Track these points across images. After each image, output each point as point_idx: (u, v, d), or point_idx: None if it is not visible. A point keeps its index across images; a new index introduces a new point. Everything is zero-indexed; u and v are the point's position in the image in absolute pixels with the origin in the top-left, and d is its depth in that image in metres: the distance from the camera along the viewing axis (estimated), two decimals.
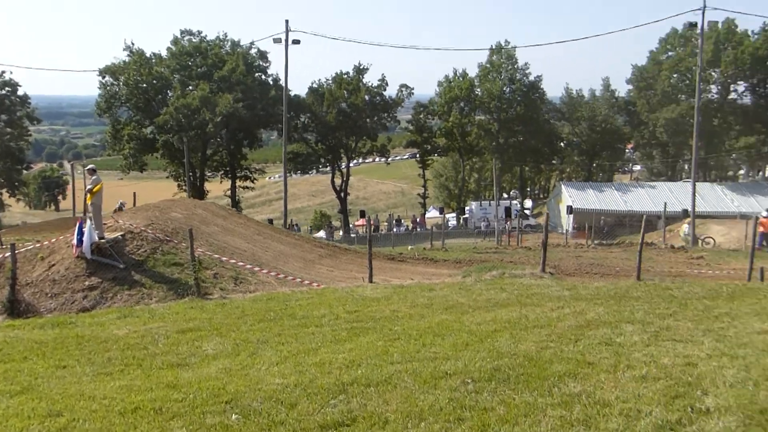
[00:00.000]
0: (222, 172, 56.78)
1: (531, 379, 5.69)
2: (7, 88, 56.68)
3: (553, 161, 70.41)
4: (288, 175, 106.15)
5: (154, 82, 52.61)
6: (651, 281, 13.56)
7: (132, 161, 52.29)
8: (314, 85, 59.03)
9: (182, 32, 55.45)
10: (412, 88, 61.79)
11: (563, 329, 7.73)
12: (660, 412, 4.72)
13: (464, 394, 5.35)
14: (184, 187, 51.12)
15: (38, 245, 17.75)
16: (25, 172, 64.57)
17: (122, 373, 7.08)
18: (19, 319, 12.42)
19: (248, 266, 17.06)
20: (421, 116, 64.37)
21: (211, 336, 8.80)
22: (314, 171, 69.35)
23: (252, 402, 5.48)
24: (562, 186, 57.20)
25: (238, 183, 56.73)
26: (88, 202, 16.09)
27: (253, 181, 58.50)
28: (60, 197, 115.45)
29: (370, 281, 14.47)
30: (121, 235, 16.58)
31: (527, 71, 62.05)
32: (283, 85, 39.19)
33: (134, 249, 16.30)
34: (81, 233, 15.59)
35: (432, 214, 67.54)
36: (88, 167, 16.35)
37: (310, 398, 5.47)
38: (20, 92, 57.59)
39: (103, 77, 52.71)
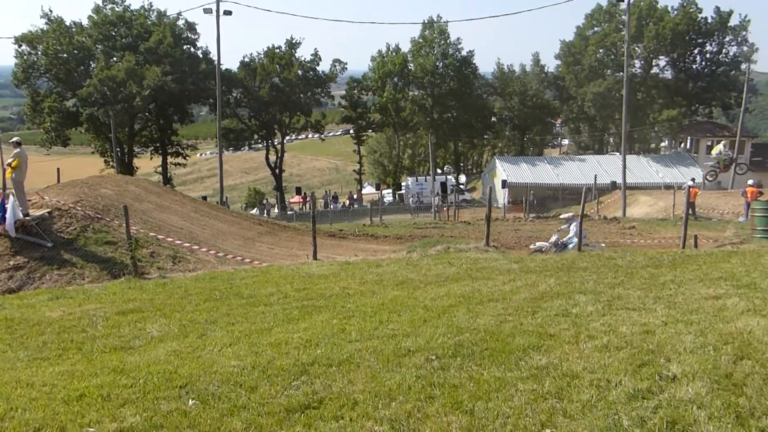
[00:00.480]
0: (152, 148, 54.87)
1: (496, 353, 5.61)
2: None
3: (486, 136, 71.27)
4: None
5: (76, 52, 50.04)
6: (589, 251, 13.86)
7: (54, 135, 49.78)
8: (246, 60, 57.58)
9: (104, 0, 52.84)
10: (346, 63, 61.21)
11: (518, 302, 7.72)
12: (629, 381, 4.71)
13: (431, 372, 5.22)
14: (111, 164, 49.17)
15: None
16: None
17: (61, 357, 6.63)
18: None
19: (186, 244, 16.52)
20: (355, 92, 63.86)
21: (154, 317, 8.39)
22: (246, 147, 67.96)
23: (208, 386, 5.19)
24: (497, 160, 58.06)
25: (170, 159, 54.98)
26: (8, 177, 15.12)
27: (185, 158, 56.82)
28: None
29: (315, 258, 14.20)
30: (48, 213, 15.73)
31: (460, 46, 62.31)
32: (216, 58, 37.93)
33: (63, 227, 15.51)
34: (3, 210, 14.67)
35: (368, 190, 67.45)
36: (12, 140, 15.33)
37: (271, 380, 5.23)
38: None
39: (20, 46, 49.81)
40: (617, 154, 54.73)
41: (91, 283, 13.23)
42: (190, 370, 5.68)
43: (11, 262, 14.44)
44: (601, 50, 61.76)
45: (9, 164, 14.79)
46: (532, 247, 17.63)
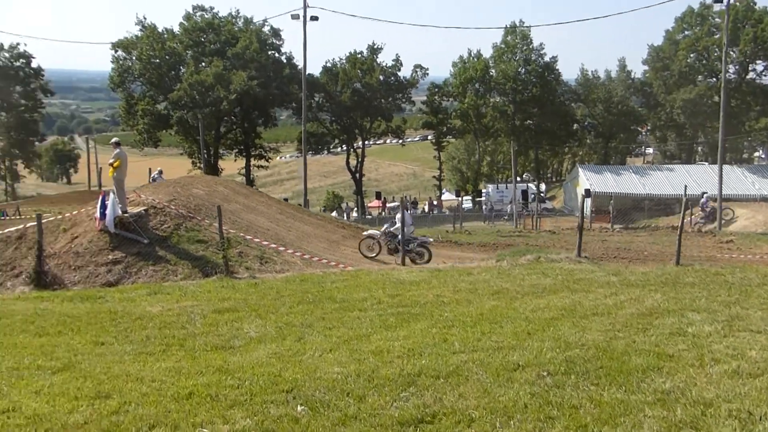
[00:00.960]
0: (236, 150, 56.36)
1: (612, 373, 5.29)
2: (21, 60, 56.34)
3: (568, 144, 69.55)
4: (299, 155, 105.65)
5: (167, 57, 52.02)
6: (691, 266, 13.11)
7: (146, 137, 51.93)
8: (328, 65, 58.35)
9: (194, 8, 54.73)
10: (427, 69, 61.00)
11: (626, 318, 7.32)
12: None
13: (545, 389, 4.96)
14: (198, 165, 50.78)
15: (60, 217, 17.46)
16: (38, 144, 64.25)
17: (165, 353, 6.72)
18: (46, 290, 12.15)
19: (273, 245, 16.70)
20: (436, 97, 63.57)
21: (250, 317, 8.44)
22: (326, 151, 68.90)
23: (314, 392, 5.11)
24: (579, 169, 56.47)
25: (253, 162, 56.31)
26: (109, 176, 15.72)
27: (267, 160, 58.09)
28: (72, 170, 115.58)
29: (402, 264, 14.07)
30: (144, 210, 16.24)
31: (542, 52, 61.08)
32: (302, 62, 38.38)
33: (158, 224, 15.97)
34: (104, 206, 15.26)
35: (447, 196, 66.99)
36: (112, 140, 15.94)
37: (378, 390, 5.09)
38: (34, 64, 57.35)
39: (116, 51, 52.21)
40: (707, 164, 52.17)
41: (185, 280, 13.54)
42: (293, 374, 5.62)
43: (110, 257, 14.99)
44: (692, 55, 59.16)
45: (111, 164, 15.36)
46: (364, 233, 18.79)
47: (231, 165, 59.75)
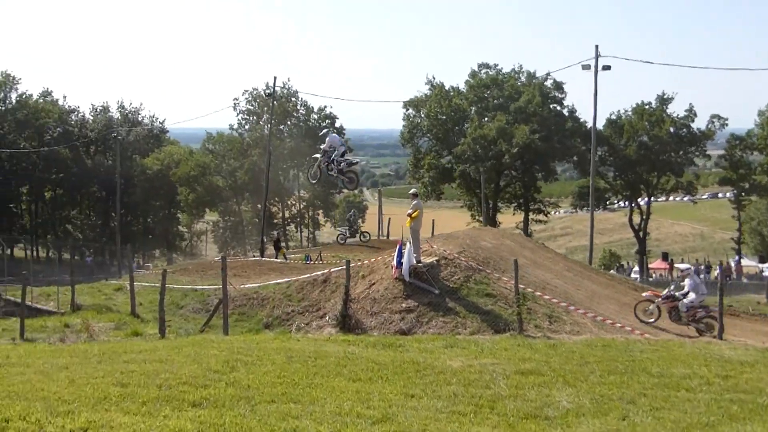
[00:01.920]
0: (515, 204, 56.41)
1: None
2: (327, 120, 63.55)
3: None
4: (573, 211, 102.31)
5: (452, 113, 54.37)
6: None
7: (430, 189, 54.54)
8: (612, 117, 55.88)
9: (479, 65, 56.69)
10: (726, 119, 55.13)
11: None
12: None
13: None
14: (477, 217, 51.76)
15: (359, 264, 18.69)
16: (337, 196, 71.30)
17: (477, 415, 6.38)
18: (349, 334, 12.85)
19: (562, 304, 15.84)
20: (737, 150, 56.97)
21: (556, 383, 7.80)
22: (601, 208, 65.71)
23: None
24: None
25: (531, 216, 55.81)
26: (407, 226, 16.36)
27: (546, 215, 57.17)
28: (360, 221, 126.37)
29: (720, 338, 12.26)
30: (436, 261, 16.58)
31: None
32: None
33: (448, 275, 16.16)
34: (400, 255, 15.88)
35: (746, 262, 59.15)
36: (411, 191, 16.69)
37: None
38: (337, 124, 64.18)
39: (407, 109, 56.07)
40: None
41: (475, 335, 13.38)
42: None
43: (404, 305, 15.48)
44: None
45: (409, 214, 16.00)
46: (643, 295, 17.63)
47: (508, 218, 59.88)
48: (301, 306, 17.97)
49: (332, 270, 19.28)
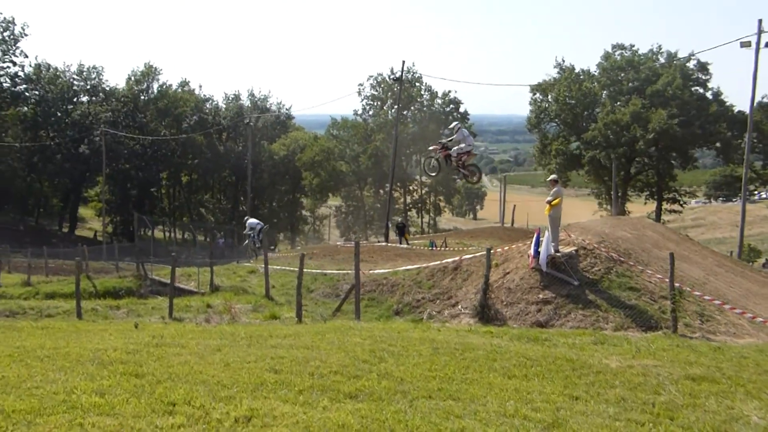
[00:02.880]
0: (647, 192, 53.38)
1: None
2: (452, 105, 63.02)
3: None
4: (707, 201, 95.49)
5: (583, 97, 52.14)
6: None
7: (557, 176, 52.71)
8: (765, 100, 51.34)
9: (614, 47, 53.96)
10: None
11: None
12: None
13: None
14: (605, 206, 49.48)
15: (492, 252, 18.11)
16: (458, 182, 70.78)
17: (656, 426, 5.72)
18: (489, 325, 12.40)
19: (716, 302, 14.55)
20: None
21: (736, 393, 6.96)
22: (736, 198, 60.83)
23: None
24: None
25: (664, 206, 52.61)
26: (546, 214, 15.61)
27: (681, 205, 53.69)
28: (478, 207, 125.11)
29: None
30: (575, 251, 15.73)
31: None
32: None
33: (587, 267, 15.28)
34: (537, 244, 15.20)
35: None
36: (550, 177, 15.92)
37: None
38: (461, 109, 63.45)
39: (534, 94, 54.42)
40: None
41: (619, 331, 12.55)
42: None
43: (540, 296, 14.81)
44: None
45: (549, 201, 15.26)
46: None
47: (638, 208, 56.80)
48: (432, 293, 17.70)
49: (463, 257, 18.84)
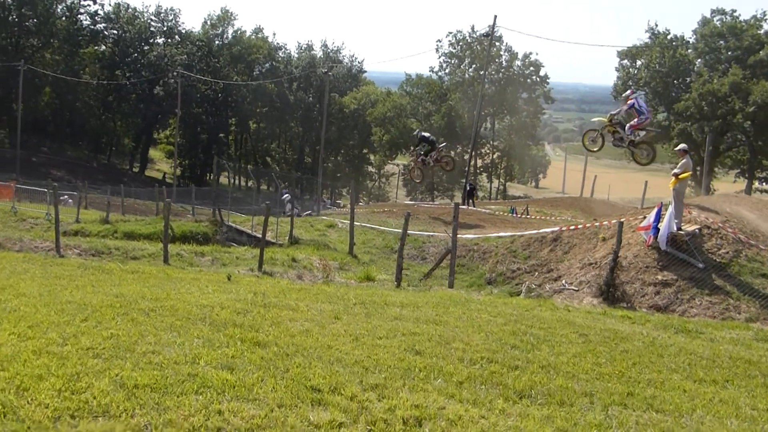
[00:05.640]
0: (738, 170, 50.11)
1: None
2: (531, 68, 60.29)
3: None
4: None
5: (676, 65, 48.86)
6: None
7: None
8: None
9: (713, 12, 50.17)
10: None
11: None
12: None
13: None
14: (690, 182, 46.61)
15: (598, 224, 16.65)
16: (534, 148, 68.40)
17: None
18: (616, 307, 11.10)
19: None
20: None
21: None
22: None
23: None
24: None
25: (755, 185, 49.32)
26: (671, 187, 14.00)
27: None
28: (541, 175, 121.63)
29: None
30: (698, 230, 14.15)
31: None
32: None
33: (713, 248, 13.72)
34: (657, 219, 13.69)
35: None
36: (679, 147, 14.29)
37: None
38: (542, 72, 60.65)
39: (622, 59, 51.34)
40: None
41: (754, 322, 11.07)
42: None
43: (659, 277, 13.37)
44: None
45: (675, 174, 13.66)
46: None
47: (725, 186, 53.53)
48: (528, 265, 16.45)
49: (563, 228, 17.46)
